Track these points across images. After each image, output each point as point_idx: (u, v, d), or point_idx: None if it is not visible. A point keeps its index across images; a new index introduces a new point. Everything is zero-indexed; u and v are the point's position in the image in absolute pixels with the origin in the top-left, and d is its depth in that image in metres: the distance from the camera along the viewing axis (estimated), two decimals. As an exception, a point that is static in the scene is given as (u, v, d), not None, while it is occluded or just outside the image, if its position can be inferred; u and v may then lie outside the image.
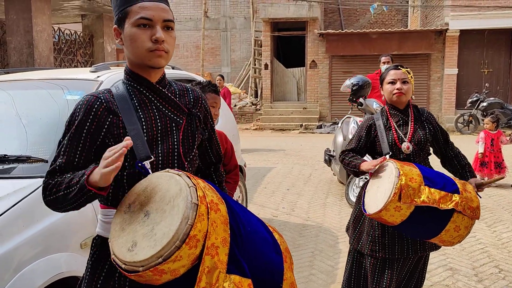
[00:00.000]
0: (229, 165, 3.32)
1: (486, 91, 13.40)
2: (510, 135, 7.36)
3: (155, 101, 1.57)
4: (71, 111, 1.55)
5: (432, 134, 2.73)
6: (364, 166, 2.59)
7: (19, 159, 2.41)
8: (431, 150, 2.81)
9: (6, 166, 2.40)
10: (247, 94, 17.74)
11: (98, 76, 2.92)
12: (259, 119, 16.14)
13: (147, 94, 1.56)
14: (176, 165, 1.55)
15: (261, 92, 16.99)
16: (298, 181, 7.50)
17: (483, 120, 8.98)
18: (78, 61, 9.06)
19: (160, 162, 1.51)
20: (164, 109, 1.57)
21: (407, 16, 19.80)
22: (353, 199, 5.70)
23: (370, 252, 2.64)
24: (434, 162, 2.79)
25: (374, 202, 2.43)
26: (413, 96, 2.74)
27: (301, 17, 15.71)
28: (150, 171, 1.46)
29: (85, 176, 1.36)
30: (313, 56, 16.10)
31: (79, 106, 1.53)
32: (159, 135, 1.53)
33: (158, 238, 1.22)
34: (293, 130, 15.27)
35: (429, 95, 15.43)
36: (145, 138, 1.50)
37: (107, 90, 1.59)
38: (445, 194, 2.32)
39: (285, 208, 5.85)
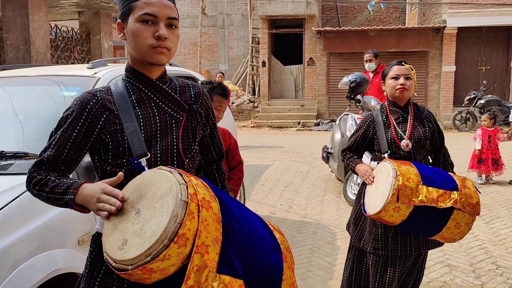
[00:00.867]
0: (233, 161, 3.31)
1: (483, 89, 13.42)
2: (507, 132, 7.37)
3: (154, 98, 1.56)
4: (69, 105, 1.55)
5: (431, 132, 2.72)
6: (358, 172, 2.66)
7: (16, 156, 2.40)
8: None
9: (3, 163, 2.39)
10: (245, 91, 17.72)
11: (96, 73, 2.90)
12: (256, 117, 16.12)
13: (146, 91, 1.55)
14: (175, 162, 1.53)
15: (259, 89, 16.98)
16: (296, 178, 7.50)
17: (480, 117, 8.99)
18: (75, 58, 9.03)
19: (158, 159, 1.51)
20: (163, 105, 1.56)
21: (405, 13, 19.81)
22: (351, 196, 5.71)
23: (372, 250, 2.63)
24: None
25: (373, 203, 2.43)
26: (415, 93, 2.74)
27: (298, 14, 15.69)
28: (146, 168, 1.45)
29: (73, 196, 1.42)
30: (311, 53, 16.08)
31: (75, 103, 1.53)
32: (158, 132, 1.52)
33: (147, 237, 1.21)
34: (291, 127, 15.27)
35: (426, 92, 15.44)
36: (143, 135, 1.49)
37: (105, 88, 1.58)
38: (444, 192, 2.32)
39: (283, 205, 5.85)
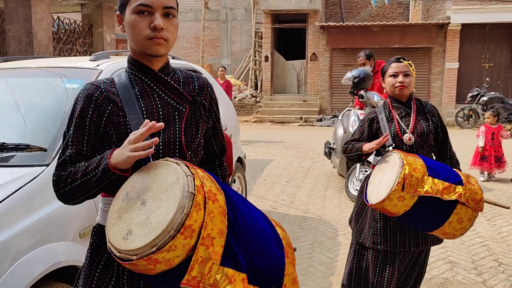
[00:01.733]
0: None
1: (486, 86, 13.37)
2: (510, 129, 7.34)
3: (157, 89, 1.54)
4: (73, 101, 1.54)
5: (435, 127, 2.71)
6: (366, 147, 2.60)
7: (17, 148, 2.39)
8: None
9: (4, 155, 2.38)
10: (247, 86, 17.69)
11: (98, 65, 2.89)
12: (259, 111, 16.10)
13: (149, 82, 1.54)
14: (177, 154, 1.52)
15: (261, 84, 16.94)
16: (297, 173, 7.48)
17: (483, 114, 8.98)
18: (77, 51, 9.00)
19: (161, 151, 1.49)
20: (166, 97, 1.54)
21: (409, 9, 19.71)
22: (353, 192, 5.70)
23: (371, 244, 2.63)
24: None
25: (377, 192, 2.41)
26: (414, 89, 2.72)
27: (302, 9, 15.63)
28: (150, 159, 1.44)
29: (107, 160, 1.37)
30: (314, 48, 16.03)
31: (80, 96, 1.51)
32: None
33: (153, 227, 1.20)
34: (293, 122, 15.25)
35: (429, 89, 15.40)
36: None
37: (108, 79, 1.57)
38: (449, 185, 2.31)
39: (285, 200, 5.84)
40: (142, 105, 1.50)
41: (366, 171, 5.64)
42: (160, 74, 1.54)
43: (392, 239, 2.58)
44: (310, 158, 8.88)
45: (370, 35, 15.13)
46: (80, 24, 9.26)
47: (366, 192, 2.56)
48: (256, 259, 1.35)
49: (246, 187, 5.02)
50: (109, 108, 1.49)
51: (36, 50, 7.21)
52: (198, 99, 1.61)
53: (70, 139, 1.50)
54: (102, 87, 1.52)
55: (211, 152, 1.78)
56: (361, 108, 6.18)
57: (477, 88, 13.43)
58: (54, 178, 1.48)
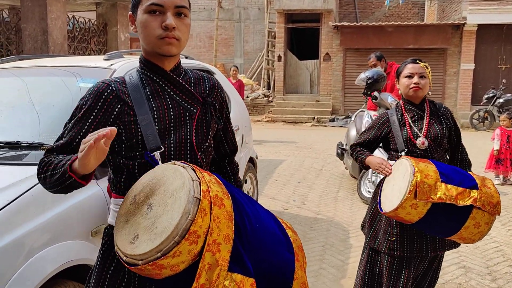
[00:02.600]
0: None
1: (503, 87, 13.19)
2: (527, 132, 7.21)
3: (169, 90, 1.53)
4: (83, 95, 1.53)
5: (449, 130, 2.66)
6: (371, 164, 2.59)
7: (31, 146, 2.40)
8: None
9: (18, 153, 2.40)
10: (260, 85, 17.67)
11: (112, 64, 2.90)
12: (271, 111, 16.08)
13: (160, 82, 1.53)
14: (188, 155, 1.51)
15: (274, 84, 16.92)
16: (309, 174, 7.45)
17: (499, 116, 8.84)
18: (91, 49, 9.07)
19: (172, 152, 1.48)
20: (177, 98, 1.53)
21: (424, 9, 19.52)
22: (365, 193, 5.65)
23: (387, 250, 2.58)
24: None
25: (390, 200, 2.38)
26: (429, 92, 2.67)
27: (315, 8, 15.57)
28: (159, 161, 1.43)
29: (70, 161, 1.31)
30: (327, 48, 15.96)
31: (89, 92, 1.51)
32: (172, 124, 1.50)
33: (158, 232, 1.19)
34: (305, 122, 15.20)
35: (444, 90, 15.23)
36: (156, 128, 1.47)
37: (120, 79, 1.56)
38: (463, 190, 2.27)
39: (296, 201, 5.82)
40: (153, 105, 1.50)
41: (378, 174, 5.59)
42: (171, 74, 1.53)
43: (409, 244, 2.54)
44: (322, 158, 8.84)
45: (384, 35, 15.01)
46: (95, 23, 9.32)
47: (379, 200, 2.53)
48: (264, 264, 1.34)
49: (258, 187, 5.00)
50: (119, 106, 1.49)
51: (51, 48, 7.27)
52: (209, 100, 1.60)
53: (67, 131, 1.49)
54: (113, 85, 1.52)
55: (222, 152, 1.78)
56: (374, 110, 6.13)
57: (493, 90, 13.25)
58: (39, 162, 1.46)
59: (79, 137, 1.46)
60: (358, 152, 2.72)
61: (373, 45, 14.94)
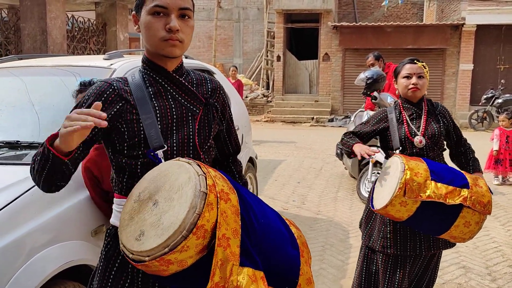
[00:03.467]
0: None
1: (501, 88, 13.21)
2: (526, 132, 7.22)
3: (171, 90, 1.53)
4: (85, 93, 1.53)
5: (446, 128, 2.67)
6: (355, 148, 2.53)
7: (31, 146, 2.40)
8: (445, 144, 2.76)
9: (18, 152, 2.39)
10: (259, 85, 17.67)
11: (112, 64, 2.89)
12: (270, 111, 16.08)
13: (163, 83, 1.53)
14: (191, 155, 1.52)
15: (273, 84, 16.92)
16: (309, 174, 7.45)
17: (497, 117, 8.85)
18: (91, 49, 9.06)
19: (174, 151, 1.49)
20: (180, 98, 1.54)
21: (423, 9, 19.54)
22: (365, 193, 5.65)
23: (381, 248, 2.60)
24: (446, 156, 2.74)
25: (381, 198, 2.40)
26: (425, 92, 2.68)
27: (315, 9, 15.57)
28: (162, 160, 1.43)
29: (48, 137, 1.30)
30: (326, 48, 15.96)
31: (91, 91, 1.51)
32: (174, 124, 1.50)
33: (165, 227, 1.19)
34: (304, 123, 15.20)
35: (443, 90, 15.25)
36: (159, 127, 1.47)
37: (122, 79, 1.56)
38: (453, 189, 2.27)
39: (296, 201, 5.82)
40: (156, 105, 1.50)
41: (378, 173, 5.59)
42: (174, 75, 1.54)
43: (402, 243, 2.54)
44: (321, 159, 8.84)
45: (383, 36, 15.02)
46: (94, 22, 9.32)
47: (372, 197, 2.55)
48: (270, 259, 1.34)
49: (257, 187, 5.00)
50: (120, 104, 1.48)
51: (50, 48, 7.26)
52: (211, 101, 1.60)
53: None
54: (115, 85, 1.52)
55: (225, 152, 1.78)
56: (372, 110, 6.13)
57: (491, 90, 13.27)
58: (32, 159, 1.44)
59: None
60: (348, 137, 2.68)
61: (372, 45, 14.94)
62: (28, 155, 2.38)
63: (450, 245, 2.64)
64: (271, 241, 1.37)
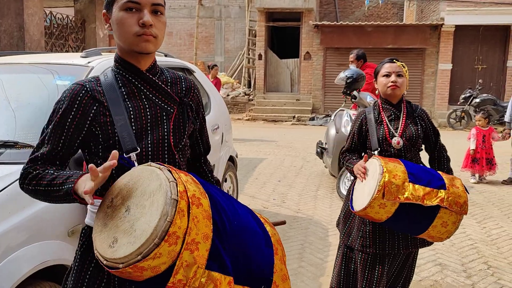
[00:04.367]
0: None
1: (479, 87, 13.44)
2: (501, 132, 7.39)
3: (145, 90, 1.52)
4: (59, 98, 1.52)
5: (424, 131, 2.71)
6: (354, 170, 2.62)
7: (6, 144, 2.36)
8: (423, 146, 2.80)
9: (-7, 151, 2.35)
10: (240, 84, 17.66)
11: (89, 62, 2.86)
12: (251, 110, 16.08)
13: (136, 83, 1.52)
14: (166, 155, 1.51)
15: (254, 82, 16.92)
16: (289, 172, 7.48)
17: (475, 116, 9.01)
18: (69, 46, 8.93)
19: (150, 152, 1.48)
20: (154, 98, 1.53)
21: (403, 9, 19.78)
22: (344, 192, 5.70)
23: (360, 247, 2.63)
24: (424, 157, 2.78)
25: (360, 199, 2.43)
26: (405, 91, 2.72)
27: (296, 7, 15.62)
28: (135, 163, 1.42)
29: (73, 185, 1.35)
30: (308, 47, 16.03)
31: (64, 95, 1.49)
32: (148, 125, 1.49)
33: (137, 235, 1.19)
34: (286, 121, 15.25)
35: (422, 90, 15.46)
36: (133, 128, 1.47)
37: (95, 78, 1.54)
38: (430, 190, 2.31)
39: (276, 200, 5.84)
40: (130, 106, 1.49)
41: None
42: (147, 74, 1.53)
43: (381, 242, 2.58)
44: (302, 157, 8.89)
45: (364, 35, 15.15)
46: (73, 19, 9.18)
47: (351, 198, 2.58)
48: (244, 260, 1.35)
49: (238, 186, 5.00)
50: (95, 108, 1.47)
51: (27, 45, 7.13)
52: (186, 100, 1.60)
53: (47, 137, 1.48)
54: (87, 86, 1.50)
55: (197, 152, 1.79)
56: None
57: (469, 90, 13.50)
58: (22, 171, 1.47)
59: (61, 142, 1.47)
60: (347, 161, 2.76)
61: (353, 44, 15.03)
62: (4, 153, 2.34)
63: (428, 243, 2.68)
64: (244, 242, 1.38)
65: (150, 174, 1.29)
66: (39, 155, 1.47)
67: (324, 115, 15.34)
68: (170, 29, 18.85)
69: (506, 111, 7.26)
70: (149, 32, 1.44)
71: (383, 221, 2.40)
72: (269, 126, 14.45)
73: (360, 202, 2.42)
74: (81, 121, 1.47)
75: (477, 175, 7.05)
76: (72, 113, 1.46)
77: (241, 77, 17.81)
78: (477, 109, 12.67)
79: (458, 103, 13.79)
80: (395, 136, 2.61)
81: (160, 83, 1.55)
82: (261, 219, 1.53)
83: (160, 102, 1.53)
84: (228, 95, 16.49)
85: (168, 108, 1.54)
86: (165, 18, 1.53)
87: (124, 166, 1.42)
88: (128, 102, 1.49)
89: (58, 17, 8.75)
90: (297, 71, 16.72)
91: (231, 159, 4.78)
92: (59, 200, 1.40)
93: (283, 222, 2.02)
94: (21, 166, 2.14)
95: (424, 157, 2.77)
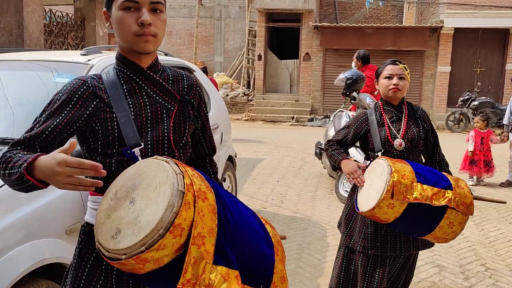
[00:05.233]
0: None
1: (477, 90, 13.46)
2: (499, 134, 7.39)
3: (146, 87, 1.52)
4: (58, 90, 1.50)
5: (425, 132, 2.70)
6: (344, 167, 2.57)
7: (4, 142, 2.34)
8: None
9: (-9, 148, 2.33)
10: (240, 84, 17.65)
11: (89, 60, 2.85)
12: (250, 110, 16.08)
13: (138, 80, 1.52)
14: (166, 152, 1.51)
15: (254, 82, 16.92)
16: (288, 173, 7.48)
17: (473, 118, 9.02)
18: (69, 44, 8.91)
19: (149, 149, 1.48)
20: (155, 95, 1.53)
21: (403, 12, 19.79)
22: (343, 193, 5.70)
23: (362, 249, 2.61)
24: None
25: (367, 200, 2.41)
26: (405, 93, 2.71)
27: (296, 8, 15.62)
28: (139, 158, 1.42)
29: (26, 163, 1.23)
30: (307, 48, 16.04)
31: (64, 88, 1.48)
32: (149, 122, 1.49)
33: (142, 226, 1.19)
34: (285, 122, 15.25)
35: (421, 92, 15.48)
36: (135, 125, 1.46)
37: (97, 76, 1.54)
38: (438, 190, 2.31)
39: (274, 200, 5.83)
40: (130, 103, 1.49)
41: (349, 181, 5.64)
42: (149, 72, 1.52)
43: (383, 244, 2.57)
44: (300, 158, 8.88)
45: (363, 37, 15.16)
46: (72, 17, 9.16)
47: (356, 199, 2.56)
48: (245, 257, 1.35)
49: (236, 186, 5.00)
50: (95, 103, 1.47)
51: (26, 42, 7.12)
52: (187, 98, 1.60)
53: (37, 123, 1.42)
54: (89, 82, 1.50)
55: (200, 151, 1.77)
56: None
57: (468, 92, 13.52)
58: (1, 156, 1.36)
59: (49, 129, 1.40)
60: (334, 150, 2.69)
61: (352, 46, 15.07)
62: (2, 151, 2.32)
63: (429, 245, 2.68)
64: (246, 240, 1.38)
65: (157, 166, 1.29)
66: (22, 139, 1.39)
67: (323, 116, 15.35)
68: (170, 28, 18.84)
69: (504, 113, 7.28)
70: (148, 31, 1.43)
71: (390, 222, 2.38)
72: (268, 126, 14.45)
73: (366, 203, 2.41)
74: (76, 115, 1.44)
75: (475, 177, 7.06)
76: (70, 105, 1.44)
77: (241, 77, 17.80)
78: (475, 112, 12.68)
79: (457, 106, 13.81)
80: (397, 138, 2.60)
81: (161, 80, 1.55)
82: (262, 220, 1.53)
83: (160, 100, 1.53)
84: (227, 95, 16.49)
85: (169, 106, 1.54)
86: (165, 16, 1.52)
87: (123, 161, 1.42)
88: (129, 99, 1.49)
89: (58, 15, 8.73)
90: (297, 72, 16.72)
91: (230, 159, 4.77)
92: (16, 184, 1.27)
93: (283, 238, 1.93)
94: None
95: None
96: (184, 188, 1.22)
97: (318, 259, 3.97)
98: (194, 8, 18.11)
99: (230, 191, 4.75)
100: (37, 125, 1.43)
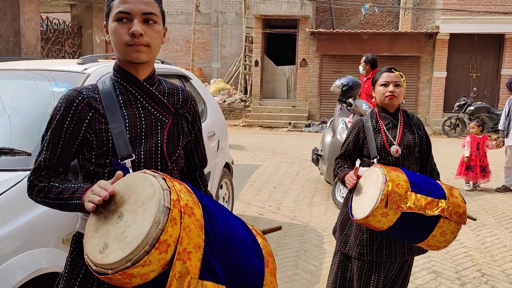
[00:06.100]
0: None
1: (473, 95, 13.52)
2: (495, 139, 7.43)
3: (141, 99, 1.54)
4: (56, 105, 1.53)
5: (420, 140, 2.73)
6: (345, 180, 2.63)
7: (1, 151, 2.35)
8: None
9: (-12, 158, 2.34)
10: (237, 90, 17.68)
11: (86, 69, 2.86)
12: (247, 116, 16.10)
13: (133, 91, 1.54)
14: (159, 164, 1.52)
15: (251, 88, 16.94)
16: (285, 179, 7.49)
17: (469, 123, 9.06)
18: (66, 52, 8.93)
19: (142, 160, 1.49)
20: (150, 107, 1.54)
21: (398, 18, 19.89)
22: (340, 199, 5.71)
23: (357, 255, 2.63)
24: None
25: (361, 208, 2.43)
26: (403, 101, 2.74)
27: (293, 15, 15.68)
28: (130, 170, 1.43)
29: (79, 201, 1.39)
30: (304, 54, 16.09)
31: (60, 101, 1.51)
32: (143, 133, 1.51)
33: (128, 241, 1.20)
34: (282, 128, 15.27)
35: (417, 97, 15.53)
36: (128, 136, 1.48)
37: (92, 86, 1.56)
38: (432, 200, 2.32)
39: (271, 206, 5.84)
40: (125, 114, 1.51)
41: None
42: (145, 84, 1.55)
43: (378, 250, 2.59)
44: (297, 164, 8.90)
45: (359, 43, 15.22)
46: (70, 24, 9.19)
47: (351, 206, 2.58)
48: (234, 271, 1.36)
49: (233, 192, 5.01)
50: (90, 114, 1.49)
51: (23, 50, 7.13)
52: (181, 112, 1.62)
53: (46, 144, 1.51)
54: (84, 93, 1.52)
55: (192, 164, 1.78)
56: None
57: (464, 98, 13.57)
58: (29, 183, 1.51)
59: (59, 149, 1.50)
60: (338, 168, 2.78)
61: (349, 51, 15.15)
62: (-1, 160, 2.33)
63: (423, 251, 2.70)
64: (235, 253, 1.38)
65: (144, 181, 1.30)
66: (42, 164, 1.50)
67: (320, 122, 15.37)
68: (167, 35, 18.78)
69: (500, 119, 7.31)
70: (139, 42, 1.46)
71: (384, 230, 2.40)
72: (265, 132, 14.46)
73: (361, 211, 2.42)
74: (77, 127, 1.49)
75: (471, 182, 7.09)
76: (68, 119, 1.48)
77: (238, 84, 17.84)
78: (471, 117, 12.73)
79: (453, 111, 13.86)
80: (394, 145, 2.63)
81: (157, 93, 1.56)
82: (253, 231, 1.53)
83: (155, 112, 1.55)
84: (224, 101, 16.50)
85: (163, 118, 1.55)
86: (160, 27, 1.53)
87: (116, 171, 1.43)
88: (124, 110, 1.51)
89: (55, 23, 8.76)
90: (293, 78, 16.76)
91: (227, 166, 4.78)
92: (69, 210, 1.47)
93: (279, 228, 2.01)
94: (16, 173, 2.16)
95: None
96: (171, 204, 1.23)
97: (315, 266, 3.98)
98: (191, 14, 18.18)
99: (226, 198, 4.76)
100: (46, 145, 1.51)
